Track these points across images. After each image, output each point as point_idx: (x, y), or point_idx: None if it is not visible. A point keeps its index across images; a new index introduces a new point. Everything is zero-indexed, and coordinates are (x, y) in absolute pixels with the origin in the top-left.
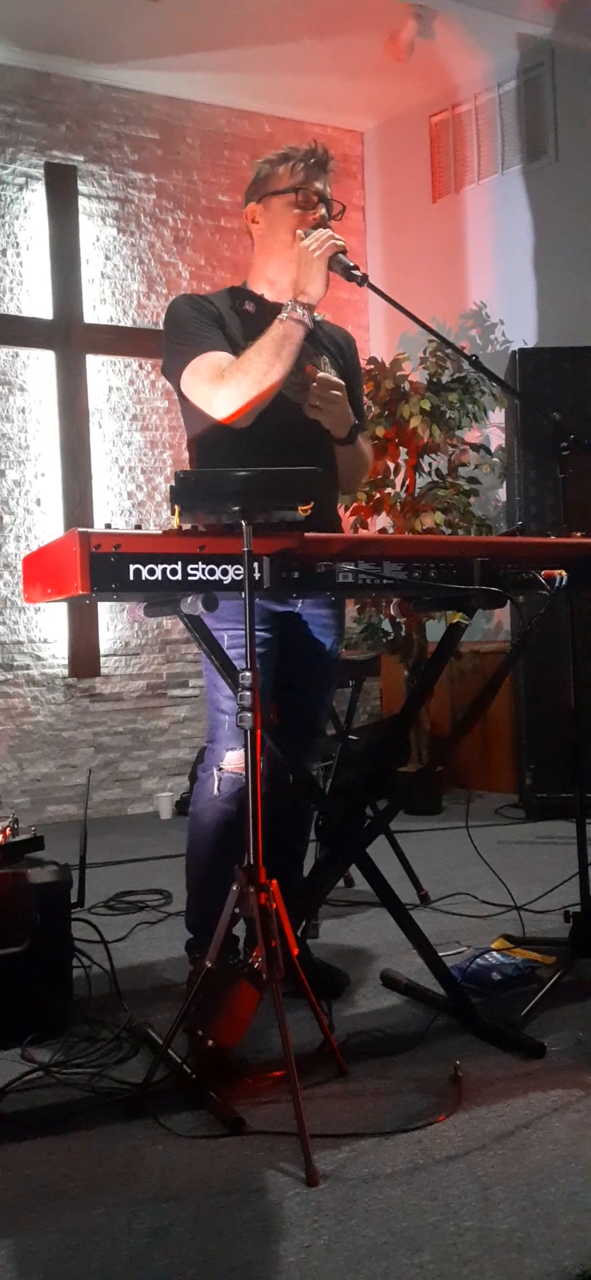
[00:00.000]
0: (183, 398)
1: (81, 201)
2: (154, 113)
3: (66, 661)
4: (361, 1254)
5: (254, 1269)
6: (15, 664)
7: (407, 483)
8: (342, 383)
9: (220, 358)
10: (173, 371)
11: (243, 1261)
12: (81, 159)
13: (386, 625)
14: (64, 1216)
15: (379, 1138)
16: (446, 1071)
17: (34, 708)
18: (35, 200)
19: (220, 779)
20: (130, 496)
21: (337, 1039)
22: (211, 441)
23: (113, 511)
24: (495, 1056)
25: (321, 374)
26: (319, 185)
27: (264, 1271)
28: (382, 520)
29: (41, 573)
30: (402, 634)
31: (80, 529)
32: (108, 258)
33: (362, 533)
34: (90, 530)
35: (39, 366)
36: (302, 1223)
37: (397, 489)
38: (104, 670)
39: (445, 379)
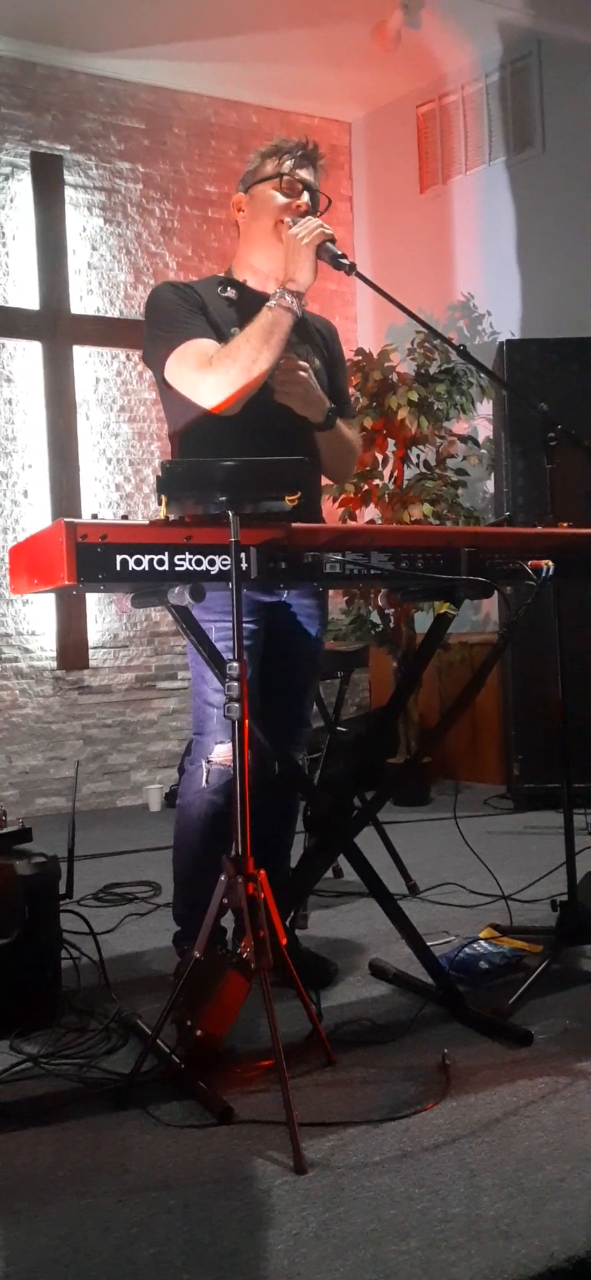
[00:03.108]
0: (165, 387)
1: (68, 191)
2: (140, 102)
3: (55, 654)
4: (349, 1241)
5: (242, 1257)
6: (3, 656)
7: (396, 474)
8: (306, 364)
9: (206, 344)
10: (156, 359)
11: (231, 1250)
12: (67, 149)
13: (375, 617)
14: (52, 1206)
15: (367, 1126)
16: (434, 1060)
17: (22, 700)
18: (21, 190)
19: (209, 771)
20: (118, 489)
21: (326, 1028)
22: (194, 432)
23: (100, 504)
24: (483, 1045)
25: (284, 355)
26: (304, 175)
27: (252, 1260)
28: (371, 512)
29: (28, 563)
30: (391, 625)
31: (66, 519)
32: (94, 248)
33: (350, 523)
34: (77, 520)
35: (25, 358)
36: (291, 1211)
37: (386, 480)
38: (92, 663)
39: (433, 370)
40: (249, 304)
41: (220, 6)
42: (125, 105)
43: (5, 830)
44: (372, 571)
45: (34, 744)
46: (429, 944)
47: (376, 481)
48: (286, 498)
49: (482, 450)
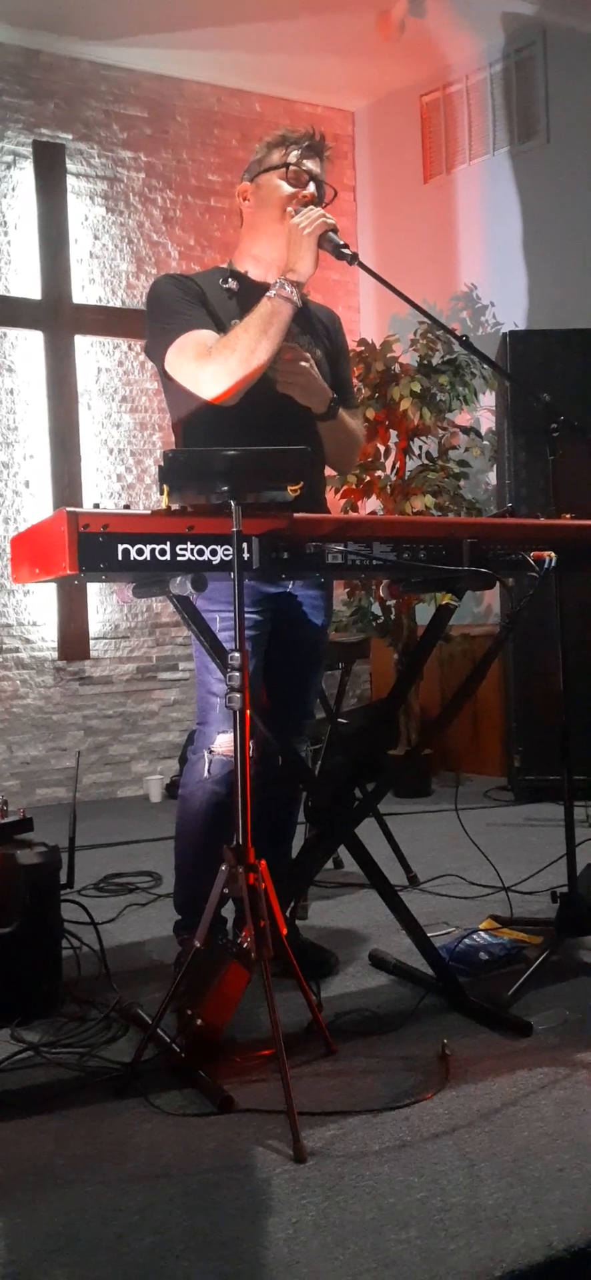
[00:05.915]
0: (166, 378)
1: (70, 180)
2: (143, 91)
3: (56, 644)
4: (348, 1230)
5: (242, 1245)
6: (4, 647)
7: (398, 465)
8: (308, 355)
9: (206, 335)
10: (156, 351)
11: (231, 1238)
12: (70, 137)
13: (376, 608)
14: (53, 1195)
15: (367, 1115)
16: (434, 1050)
17: (23, 690)
18: (23, 179)
19: (211, 761)
20: (119, 479)
21: (326, 1018)
22: (197, 422)
23: (102, 494)
24: (482, 1035)
25: (286, 345)
26: (311, 166)
27: (252, 1248)
28: (373, 503)
29: (29, 553)
30: (392, 617)
31: (68, 508)
32: (96, 237)
33: (352, 514)
34: (78, 510)
35: (27, 347)
36: (291, 1199)
37: (388, 472)
38: (93, 653)
39: (435, 361)
40: (249, 294)
41: None
42: (128, 93)
43: (6, 820)
44: (375, 562)
45: (35, 734)
46: (429, 935)
47: (378, 473)
48: (288, 487)
49: (485, 442)
